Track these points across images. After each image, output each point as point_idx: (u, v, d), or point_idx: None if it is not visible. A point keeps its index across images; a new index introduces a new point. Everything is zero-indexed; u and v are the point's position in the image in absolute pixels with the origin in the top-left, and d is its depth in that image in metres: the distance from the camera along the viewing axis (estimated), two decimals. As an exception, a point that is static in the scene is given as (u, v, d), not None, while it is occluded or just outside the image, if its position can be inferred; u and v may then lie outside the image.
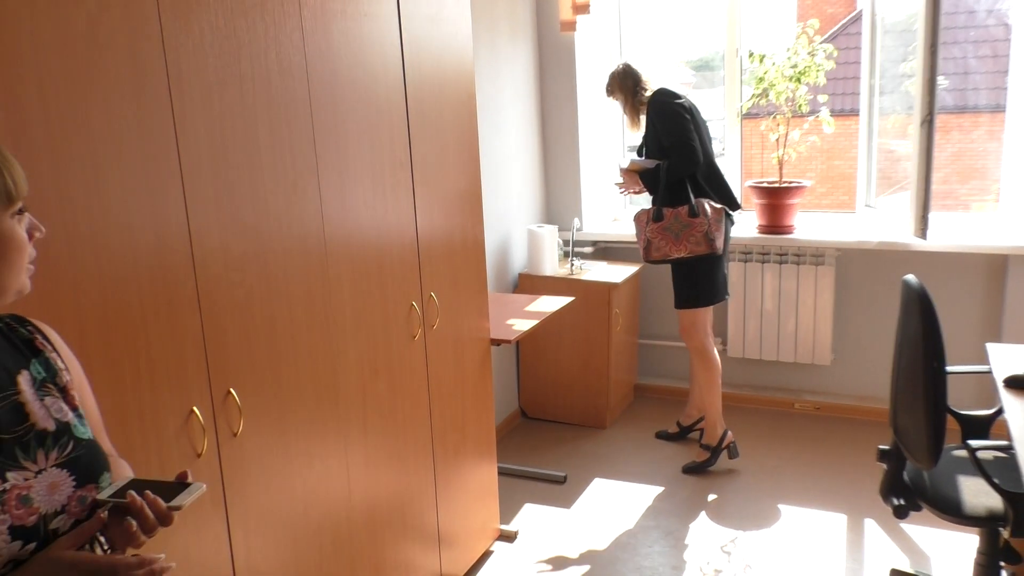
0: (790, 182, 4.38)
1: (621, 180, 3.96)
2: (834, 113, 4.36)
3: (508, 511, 3.62)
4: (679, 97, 3.77)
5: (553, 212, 4.85)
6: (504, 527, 3.44)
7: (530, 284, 4.41)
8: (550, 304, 3.70)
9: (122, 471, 1.33)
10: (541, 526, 3.54)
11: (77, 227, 1.56)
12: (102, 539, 1.20)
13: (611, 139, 5.01)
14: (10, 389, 1.14)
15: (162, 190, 1.74)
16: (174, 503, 1.17)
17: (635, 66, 3.89)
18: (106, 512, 1.14)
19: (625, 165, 3.91)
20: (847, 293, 4.39)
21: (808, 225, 4.51)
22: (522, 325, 3.39)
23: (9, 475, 1.08)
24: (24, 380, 1.17)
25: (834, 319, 4.38)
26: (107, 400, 1.63)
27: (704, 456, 3.95)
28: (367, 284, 2.42)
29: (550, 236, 4.40)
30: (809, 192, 4.46)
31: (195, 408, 1.83)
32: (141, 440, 1.72)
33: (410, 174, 2.60)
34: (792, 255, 4.41)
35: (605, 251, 4.83)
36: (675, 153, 3.70)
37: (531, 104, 4.62)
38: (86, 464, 1.17)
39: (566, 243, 4.61)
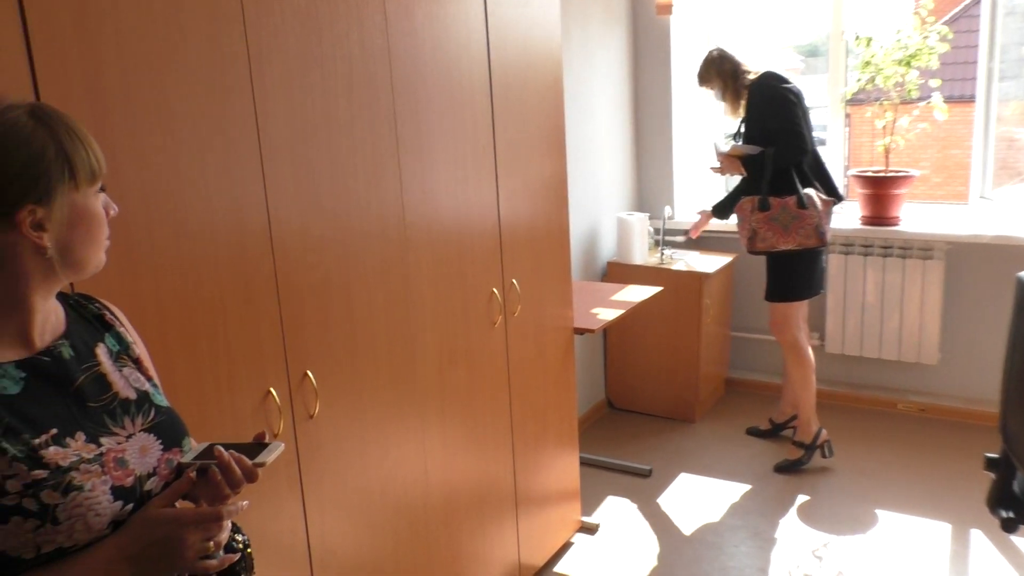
0: (896, 171, 4.15)
1: (718, 164, 3.82)
2: (950, 99, 4.10)
3: (590, 503, 3.56)
4: (786, 82, 3.62)
5: (644, 200, 4.74)
6: (586, 519, 3.39)
7: (619, 273, 4.32)
8: (638, 293, 3.61)
9: None
10: (624, 519, 3.47)
11: (157, 208, 1.58)
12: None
13: (706, 126, 4.85)
14: (91, 360, 1.18)
15: (241, 172, 1.75)
16: (258, 460, 1.21)
17: (729, 51, 3.76)
18: (195, 472, 1.17)
19: (724, 148, 3.77)
20: (957, 289, 4.13)
21: (916, 217, 4.26)
22: (607, 314, 3.31)
23: (103, 440, 1.12)
24: (102, 352, 1.21)
25: (942, 316, 4.14)
26: (185, 378, 1.66)
27: (797, 454, 3.80)
28: (447, 269, 2.40)
29: (640, 224, 4.31)
30: (921, 182, 4.23)
31: (272, 389, 1.85)
32: (218, 418, 1.74)
33: (493, 159, 2.56)
34: (898, 248, 4.18)
35: (698, 241, 4.67)
36: (783, 140, 3.55)
37: (624, 89, 4.52)
38: (169, 429, 1.22)
39: (657, 232, 4.50)
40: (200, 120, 1.65)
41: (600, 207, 4.38)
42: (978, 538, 3.21)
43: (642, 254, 4.33)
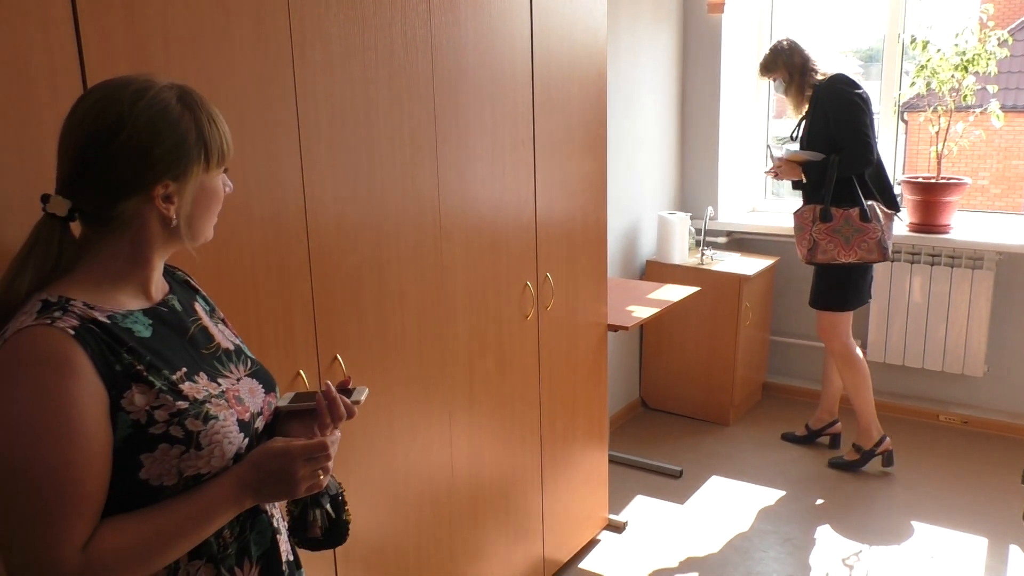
0: (948, 178, 4.06)
1: (771, 167, 3.75)
2: (1014, 109, 3.98)
3: (619, 501, 3.55)
4: (857, 87, 3.50)
5: (687, 199, 4.70)
6: (613, 517, 3.38)
7: (657, 272, 4.30)
8: (675, 293, 3.58)
9: None
10: (652, 519, 3.45)
11: (195, 188, 1.61)
12: None
13: (754, 127, 4.79)
14: (194, 315, 1.29)
15: (279, 156, 1.78)
16: (354, 398, 1.34)
17: (803, 46, 3.64)
18: (332, 440, 1.25)
19: (779, 152, 3.69)
20: (1007, 300, 4.03)
21: (967, 225, 4.16)
22: (643, 312, 3.30)
23: (220, 380, 1.24)
24: (200, 308, 1.32)
25: (990, 328, 4.04)
26: (216, 356, 1.69)
27: (854, 456, 3.77)
28: (481, 260, 2.41)
29: (681, 223, 4.27)
30: (980, 192, 4.13)
31: (301, 372, 1.87)
32: (248, 398, 1.77)
33: (532, 152, 2.56)
34: (946, 256, 4.09)
35: (740, 242, 4.64)
36: (849, 149, 3.45)
37: (671, 87, 4.48)
38: (265, 376, 1.34)
39: (698, 232, 4.46)
40: (241, 102, 1.68)
41: (641, 205, 4.36)
42: (1016, 554, 3.13)
43: (682, 254, 4.30)
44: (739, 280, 4.12)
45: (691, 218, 4.43)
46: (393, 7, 2.01)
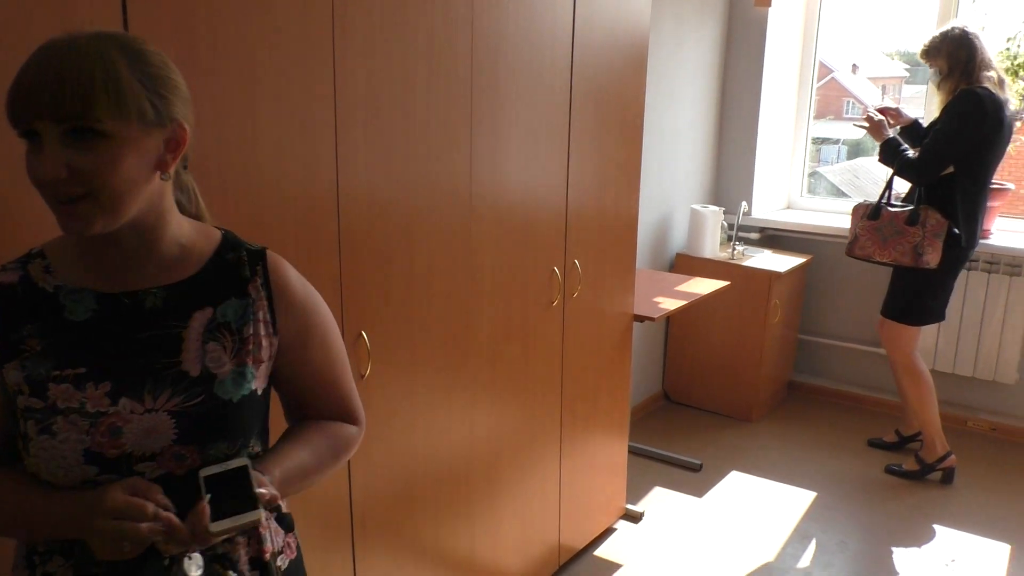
0: (992, 183, 3.97)
1: (874, 109, 3.58)
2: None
3: (636, 491, 3.55)
4: (980, 111, 3.20)
5: (721, 193, 4.66)
6: (630, 507, 3.38)
7: (687, 265, 4.27)
8: (703, 286, 3.56)
9: (333, 435, 1.33)
10: (669, 511, 3.45)
11: (229, 156, 1.63)
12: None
13: (795, 124, 4.73)
14: (175, 321, 1.11)
15: (314, 130, 1.79)
16: (215, 528, 1.02)
17: (978, 40, 3.27)
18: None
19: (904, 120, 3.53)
20: (1043, 310, 3.96)
21: (1007, 232, 4.09)
22: (670, 304, 3.28)
23: (122, 401, 1.07)
24: (198, 318, 1.12)
25: (1024, 337, 3.98)
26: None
27: (914, 467, 3.71)
28: (509, 244, 2.41)
29: (714, 217, 4.24)
30: (1022, 200, 4.06)
31: (327, 346, 1.89)
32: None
33: (566, 138, 2.55)
34: (983, 262, 4.02)
35: (772, 239, 4.59)
36: (920, 158, 3.33)
37: (711, 79, 4.43)
38: (203, 423, 1.09)
39: (730, 227, 4.42)
40: (281, 74, 1.69)
41: (674, 197, 4.33)
42: (1038, 569, 3.10)
43: (713, 248, 4.27)
44: (770, 277, 4.09)
45: (724, 213, 4.40)
46: (434, -13, 2.01)
